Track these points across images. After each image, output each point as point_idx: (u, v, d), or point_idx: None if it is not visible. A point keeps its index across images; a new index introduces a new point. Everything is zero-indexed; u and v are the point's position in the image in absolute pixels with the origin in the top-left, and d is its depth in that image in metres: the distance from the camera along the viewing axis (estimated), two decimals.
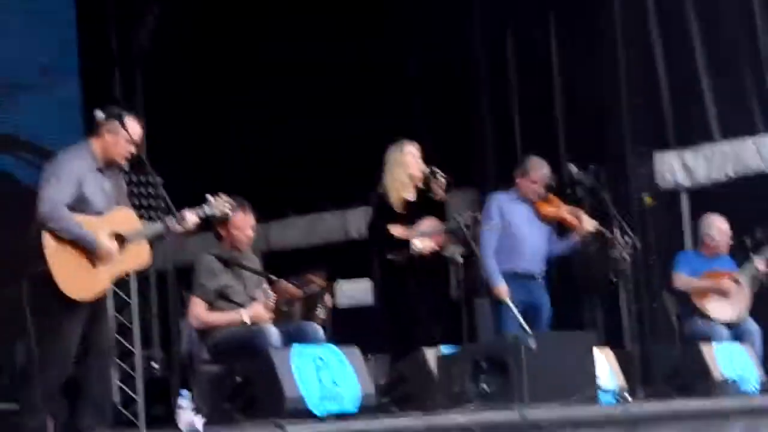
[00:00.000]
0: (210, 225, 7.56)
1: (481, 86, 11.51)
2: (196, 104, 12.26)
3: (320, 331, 7.66)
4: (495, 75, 11.43)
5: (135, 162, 6.92)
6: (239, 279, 7.83)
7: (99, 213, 6.72)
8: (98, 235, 6.61)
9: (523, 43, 11.32)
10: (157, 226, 6.89)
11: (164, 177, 6.86)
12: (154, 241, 6.82)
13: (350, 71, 11.95)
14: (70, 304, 6.58)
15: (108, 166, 6.83)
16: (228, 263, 7.79)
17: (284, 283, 7.85)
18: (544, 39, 11.16)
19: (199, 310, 7.72)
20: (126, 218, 6.82)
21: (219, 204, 7.25)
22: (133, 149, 6.83)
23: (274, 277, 7.85)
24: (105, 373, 6.93)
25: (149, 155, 7.11)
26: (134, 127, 6.84)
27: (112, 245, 6.64)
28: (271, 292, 7.73)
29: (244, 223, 7.83)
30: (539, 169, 9.11)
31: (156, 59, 11.90)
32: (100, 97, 11.15)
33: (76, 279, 6.58)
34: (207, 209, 7.19)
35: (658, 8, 10.92)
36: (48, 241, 6.55)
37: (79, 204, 6.65)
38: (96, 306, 6.78)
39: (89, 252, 6.61)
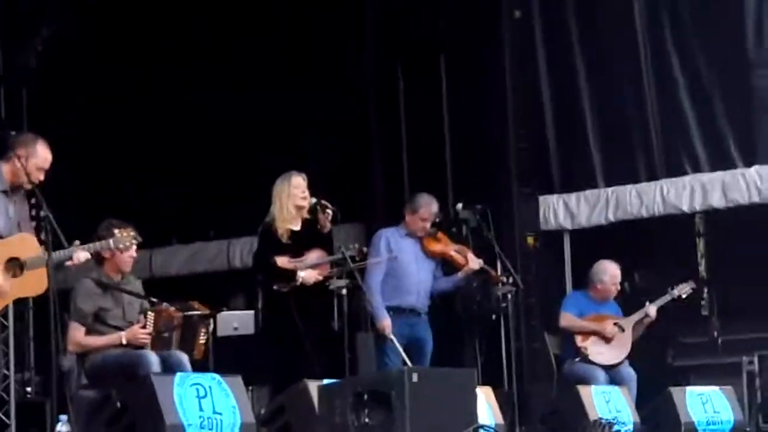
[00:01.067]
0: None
1: (371, 122, 11.56)
2: (82, 126, 12.10)
3: (185, 360, 7.57)
4: (384, 112, 11.50)
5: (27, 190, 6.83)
6: (118, 303, 7.73)
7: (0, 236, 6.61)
8: None
9: (413, 81, 11.40)
10: (59, 255, 6.77)
11: (47, 199, 6.75)
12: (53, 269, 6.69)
13: (240, 105, 11.91)
14: None
15: (14, 190, 6.74)
16: (107, 287, 7.68)
17: (165, 306, 7.75)
18: (435, 78, 11.25)
19: (77, 335, 7.60)
20: (27, 244, 6.74)
21: (125, 238, 7.21)
22: (41, 176, 6.76)
23: (155, 299, 7.77)
24: None
25: None
26: (45, 154, 6.79)
27: (3, 284, 6.49)
28: (151, 317, 7.63)
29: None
30: (428, 206, 9.15)
31: (42, 78, 11.74)
32: None
33: None
34: (112, 243, 7.15)
35: (546, 53, 11.10)
36: None
37: None
38: None
39: None
